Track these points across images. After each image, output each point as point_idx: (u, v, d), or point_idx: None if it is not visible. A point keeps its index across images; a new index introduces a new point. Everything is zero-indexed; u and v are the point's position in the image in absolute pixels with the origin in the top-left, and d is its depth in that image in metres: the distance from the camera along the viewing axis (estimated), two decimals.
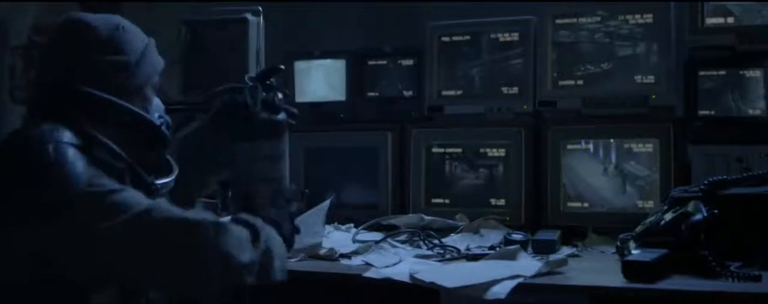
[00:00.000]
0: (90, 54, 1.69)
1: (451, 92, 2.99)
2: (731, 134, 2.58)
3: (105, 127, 1.66)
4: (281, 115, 1.87)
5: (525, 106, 2.87)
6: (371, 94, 3.13)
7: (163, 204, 1.62)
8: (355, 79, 3.14)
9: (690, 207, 2.11)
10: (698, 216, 2.06)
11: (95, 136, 1.63)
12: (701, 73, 2.62)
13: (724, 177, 2.24)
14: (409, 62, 3.08)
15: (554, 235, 2.47)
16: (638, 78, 2.74)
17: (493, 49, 2.94)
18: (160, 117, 1.81)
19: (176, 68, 3.22)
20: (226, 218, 1.74)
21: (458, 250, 2.43)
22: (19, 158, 1.57)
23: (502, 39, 2.93)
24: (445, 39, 3.00)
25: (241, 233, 1.63)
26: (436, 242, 2.52)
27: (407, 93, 3.08)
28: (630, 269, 1.98)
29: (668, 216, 2.15)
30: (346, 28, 3.46)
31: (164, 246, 1.54)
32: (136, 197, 1.57)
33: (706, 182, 2.21)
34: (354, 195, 3.07)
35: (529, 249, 2.42)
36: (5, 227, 1.55)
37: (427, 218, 2.74)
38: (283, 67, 2.00)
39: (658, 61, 2.71)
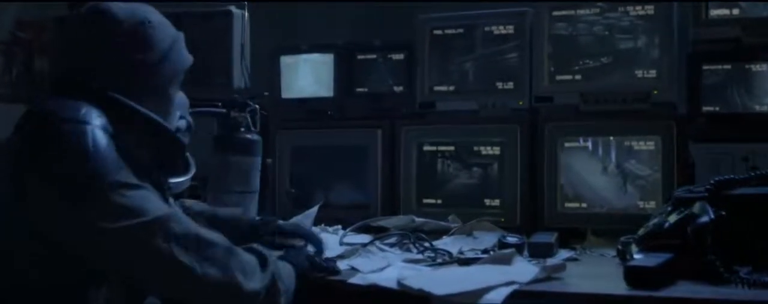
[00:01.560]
0: (112, 50, 1.66)
1: (444, 88, 2.93)
2: (736, 132, 2.52)
3: (121, 127, 1.62)
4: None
5: (521, 102, 2.82)
6: (360, 89, 3.07)
7: (180, 215, 1.60)
8: (343, 75, 3.08)
9: (695, 208, 2.03)
10: (705, 218, 1.97)
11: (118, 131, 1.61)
12: (705, 67, 2.56)
13: (732, 176, 2.14)
14: (399, 57, 3.02)
15: (551, 237, 2.39)
16: (639, 73, 2.67)
17: (488, 43, 2.88)
18: (181, 117, 1.80)
19: None
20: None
21: (450, 254, 2.33)
22: (54, 132, 1.52)
23: (496, 32, 2.87)
24: (437, 32, 2.94)
25: (250, 259, 1.63)
26: (426, 245, 2.42)
27: (397, 89, 3.02)
28: (633, 274, 1.88)
29: (672, 218, 2.06)
30: (338, 23, 3.44)
31: (172, 257, 1.52)
32: (155, 201, 1.56)
33: (712, 181, 2.11)
34: (342, 195, 3.00)
35: (525, 252, 2.33)
36: (22, 199, 1.51)
37: (418, 219, 2.67)
38: None
39: (659, 55, 2.65)
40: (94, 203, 1.49)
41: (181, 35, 1.78)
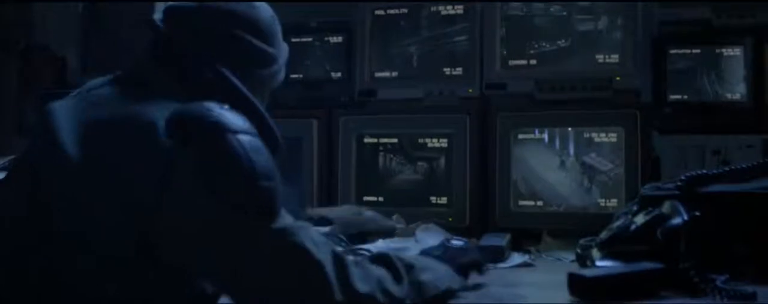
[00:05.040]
0: (249, 36, 1.65)
1: (386, 74, 2.84)
2: (706, 122, 2.50)
3: None
4: None
5: (470, 90, 2.73)
6: (294, 76, 2.91)
7: (310, 228, 1.53)
8: None
9: (665, 208, 1.86)
10: (677, 219, 1.80)
11: None
12: (672, 51, 2.54)
13: (705, 172, 1.99)
14: (337, 39, 2.91)
15: (503, 239, 2.27)
16: (600, 57, 2.62)
17: (434, 25, 2.80)
18: None
19: (74, 48, 3.24)
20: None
21: None
22: (226, 143, 1.43)
23: (444, 12, 2.78)
24: (379, 12, 2.85)
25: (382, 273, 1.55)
26: (362, 251, 2.20)
27: (335, 75, 2.92)
28: (592, 286, 1.68)
29: (639, 219, 1.90)
30: (270, 2, 3.22)
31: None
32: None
33: (683, 177, 1.96)
34: None
35: None
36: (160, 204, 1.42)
37: (367, 212, 2.53)
38: None
39: (622, 38, 2.61)
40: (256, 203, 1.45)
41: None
